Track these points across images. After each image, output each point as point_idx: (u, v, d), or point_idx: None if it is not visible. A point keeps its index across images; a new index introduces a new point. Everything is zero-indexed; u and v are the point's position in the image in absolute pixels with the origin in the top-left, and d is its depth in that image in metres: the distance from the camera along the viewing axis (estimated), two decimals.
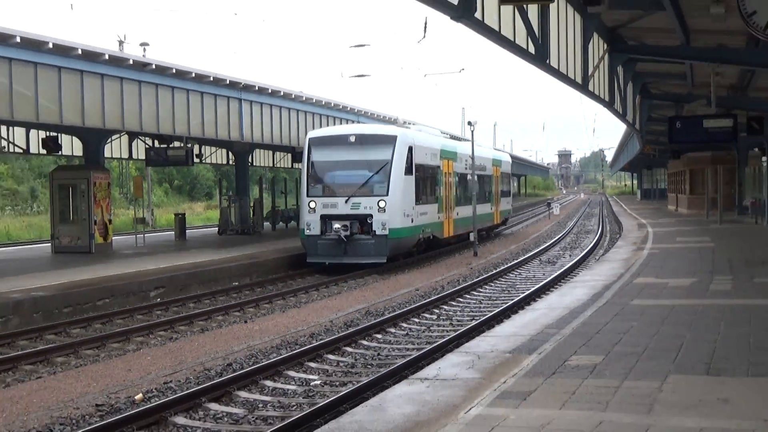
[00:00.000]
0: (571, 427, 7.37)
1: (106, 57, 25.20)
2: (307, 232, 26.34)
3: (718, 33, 19.67)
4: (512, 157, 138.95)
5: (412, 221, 28.43)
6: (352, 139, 28.19)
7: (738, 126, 26.01)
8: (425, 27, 40.10)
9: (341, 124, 41.47)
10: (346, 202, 26.40)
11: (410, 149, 28.26)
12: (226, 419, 10.99)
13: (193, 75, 29.73)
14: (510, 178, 52.53)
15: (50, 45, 22.68)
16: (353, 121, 39.61)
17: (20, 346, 16.03)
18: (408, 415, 8.09)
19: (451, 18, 11.06)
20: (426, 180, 31.70)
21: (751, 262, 21.38)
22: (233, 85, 32.70)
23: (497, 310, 18.58)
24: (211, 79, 31.05)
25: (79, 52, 23.92)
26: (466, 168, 36.91)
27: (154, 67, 27.83)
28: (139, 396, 11.76)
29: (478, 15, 11.61)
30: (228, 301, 22.82)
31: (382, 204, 25.58)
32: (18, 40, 21.43)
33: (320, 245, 25.87)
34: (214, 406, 11.41)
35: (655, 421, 7.45)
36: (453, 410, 8.17)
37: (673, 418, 7.54)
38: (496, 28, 12.95)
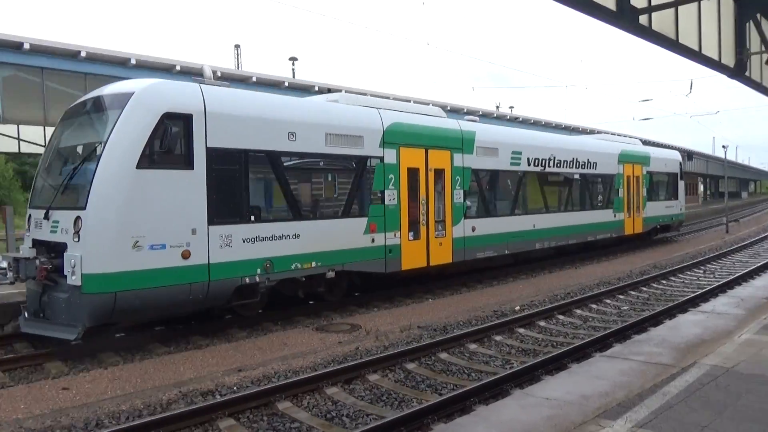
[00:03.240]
0: None
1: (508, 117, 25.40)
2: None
3: None
4: (751, 169, 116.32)
5: (190, 257, 8.67)
6: (88, 105, 9.28)
7: None
8: (691, 85, 36.21)
9: None
10: (45, 217, 8.77)
11: (185, 120, 8.74)
12: (568, 325, 10.69)
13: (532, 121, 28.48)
14: (676, 180, 24.65)
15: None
16: None
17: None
18: (696, 334, 7.31)
19: (728, 76, 9.62)
20: (300, 178, 10.88)
21: None
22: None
23: (750, 268, 15.90)
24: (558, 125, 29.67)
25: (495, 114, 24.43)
26: (512, 163, 15.40)
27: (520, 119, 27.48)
28: (518, 308, 11.82)
29: (747, 74, 9.98)
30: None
31: (78, 225, 8.11)
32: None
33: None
34: (561, 317, 11.13)
35: None
36: (728, 334, 7.23)
37: None
38: (759, 81, 11.03)
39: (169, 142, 8.56)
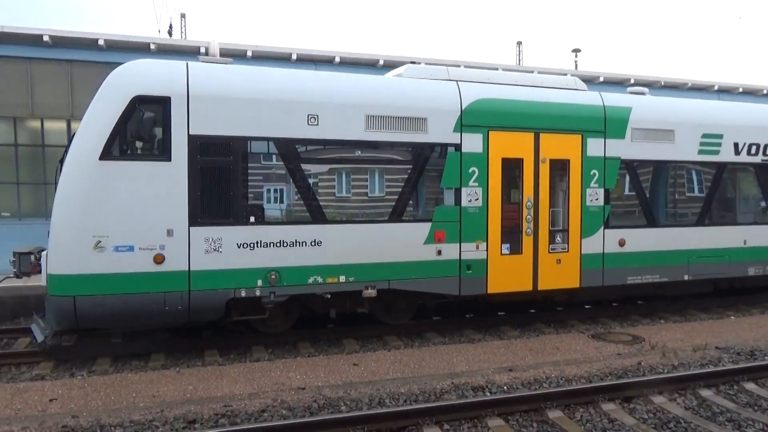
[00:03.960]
0: None
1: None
2: None
3: None
4: None
5: (164, 261, 7.67)
6: None
7: None
8: None
9: None
10: None
11: (162, 104, 7.67)
12: None
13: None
14: None
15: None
16: None
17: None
18: None
19: None
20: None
21: None
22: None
23: None
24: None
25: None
26: (703, 151, 10.92)
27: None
28: None
29: None
30: None
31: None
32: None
33: None
34: None
35: None
36: None
37: None
38: None
39: (140, 130, 7.60)
